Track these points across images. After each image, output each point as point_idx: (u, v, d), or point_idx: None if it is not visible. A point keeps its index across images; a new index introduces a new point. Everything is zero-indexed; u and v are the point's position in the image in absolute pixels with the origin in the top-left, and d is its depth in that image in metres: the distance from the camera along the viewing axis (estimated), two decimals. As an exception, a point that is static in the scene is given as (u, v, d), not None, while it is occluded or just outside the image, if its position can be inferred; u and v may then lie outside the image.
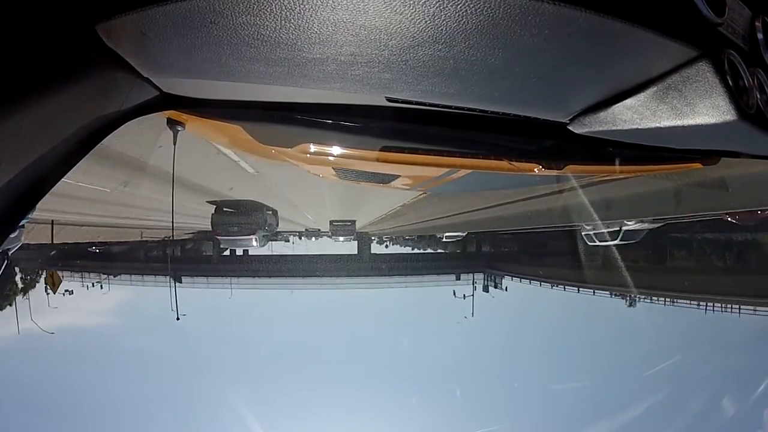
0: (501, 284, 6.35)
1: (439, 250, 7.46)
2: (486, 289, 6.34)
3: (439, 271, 6.70)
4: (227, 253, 5.88)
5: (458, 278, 6.48)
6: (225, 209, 4.77)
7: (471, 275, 6.37)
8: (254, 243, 5.13)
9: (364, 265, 6.19)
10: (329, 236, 6.36)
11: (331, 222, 6.29)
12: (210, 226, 4.79)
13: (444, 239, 7.13)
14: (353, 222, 6.20)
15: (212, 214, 4.68)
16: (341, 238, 6.42)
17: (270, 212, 5.16)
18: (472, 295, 6.05)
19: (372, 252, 6.73)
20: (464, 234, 6.72)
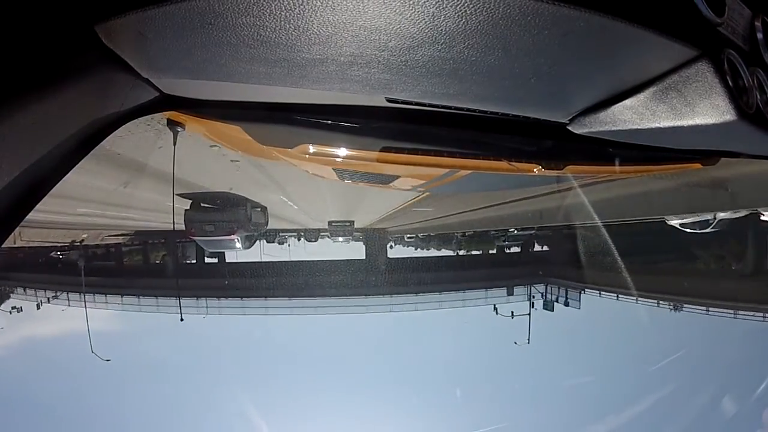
0: (577, 298, 4.81)
1: (474, 252, 6.23)
2: (549, 306, 4.77)
3: (484, 283, 5.24)
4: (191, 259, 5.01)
5: (511, 293, 5.03)
6: (201, 204, 4.06)
7: (527, 287, 4.94)
8: (236, 244, 4.47)
9: (376, 278, 5.20)
10: (329, 236, 6.06)
11: (329, 223, 6.04)
12: (183, 225, 4.08)
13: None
14: (352, 222, 6.01)
15: (185, 211, 3.95)
16: (341, 238, 6.20)
17: (258, 209, 4.53)
18: (529, 314, 4.73)
19: (387, 256, 5.80)
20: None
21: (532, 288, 5.04)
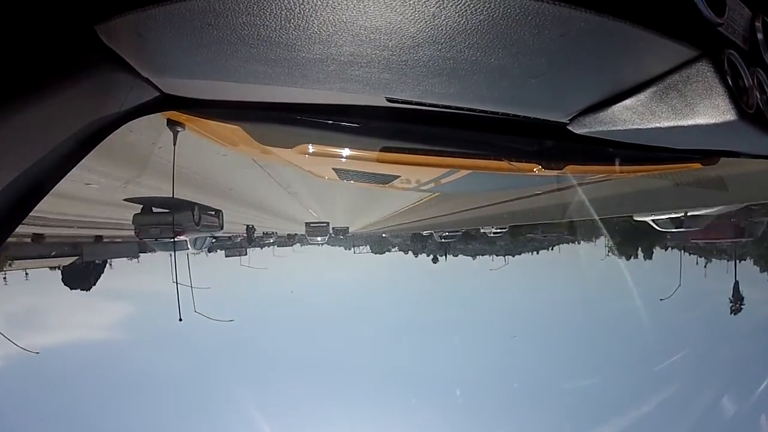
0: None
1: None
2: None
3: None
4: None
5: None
6: (149, 207, 4.05)
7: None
8: (187, 246, 4.34)
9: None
10: (307, 237, 5.54)
11: (306, 224, 5.69)
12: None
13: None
14: (327, 224, 5.66)
15: (134, 215, 3.92)
16: (318, 238, 5.81)
17: (212, 212, 4.42)
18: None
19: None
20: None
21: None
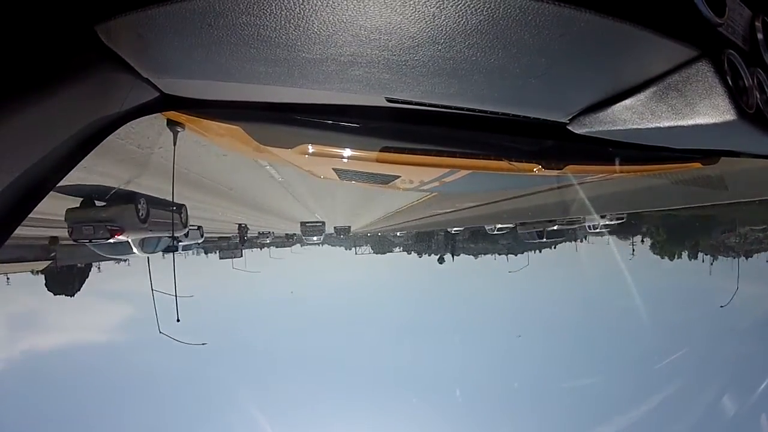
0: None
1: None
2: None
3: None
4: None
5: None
6: (88, 201, 3.09)
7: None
8: (132, 248, 3.37)
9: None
10: (302, 237, 5.43)
11: (301, 223, 5.65)
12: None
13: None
14: (323, 223, 5.65)
15: (67, 210, 3.07)
16: (314, 238, 5.74)
17: (172, 207, 3.54)
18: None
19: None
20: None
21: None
